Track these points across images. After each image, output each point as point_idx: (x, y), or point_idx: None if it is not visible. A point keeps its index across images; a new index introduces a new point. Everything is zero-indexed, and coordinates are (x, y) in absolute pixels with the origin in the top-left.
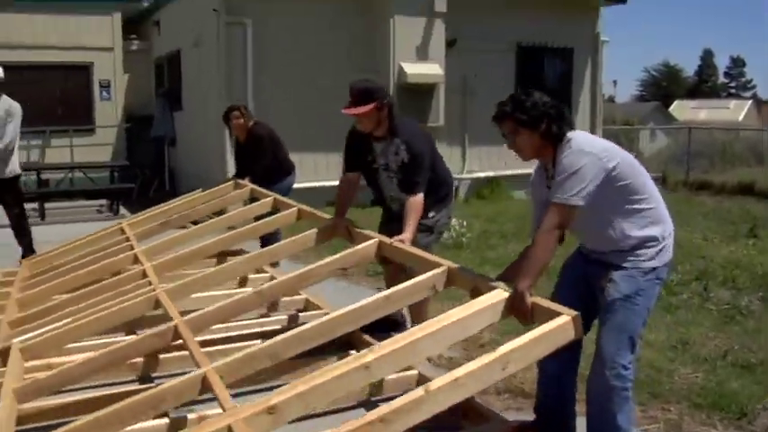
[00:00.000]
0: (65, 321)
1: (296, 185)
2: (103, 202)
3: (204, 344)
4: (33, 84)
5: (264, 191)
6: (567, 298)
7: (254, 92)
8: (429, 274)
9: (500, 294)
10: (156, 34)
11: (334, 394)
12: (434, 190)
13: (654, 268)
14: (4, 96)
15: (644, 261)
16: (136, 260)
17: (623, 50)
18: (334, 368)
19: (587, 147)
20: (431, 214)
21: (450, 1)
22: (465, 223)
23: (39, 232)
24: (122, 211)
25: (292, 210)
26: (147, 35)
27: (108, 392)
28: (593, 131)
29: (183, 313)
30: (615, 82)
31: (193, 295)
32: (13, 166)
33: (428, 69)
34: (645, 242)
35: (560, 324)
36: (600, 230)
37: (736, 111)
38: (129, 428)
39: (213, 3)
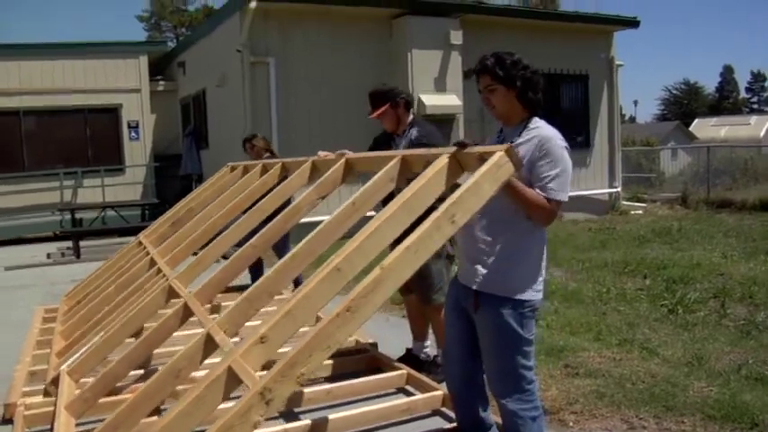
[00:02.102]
0: (99, 336)
1: (316, 218)
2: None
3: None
4: (65, 126)
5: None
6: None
7: (278, 128)
8: (384, 168)
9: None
10: (182, 75)
11: (318, 304)
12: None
13: (527, 300)
14: None
15: (518, 292)
16: (153, 263)
17: (643, 70)
18: (309, 282)
19: (566, 147)
20: None
21: (466, 33)
22: None
23: (75, 270)
24: None
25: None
26: (172, 76)
27: None
28: (611, 154)
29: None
30: (636, 102)
31: None
32: None
33: (446, 101)
34: (529, 273)
35: (495, 161)
36: (494, 238)
37: (758, 126)
38: None
39: (237, 44)
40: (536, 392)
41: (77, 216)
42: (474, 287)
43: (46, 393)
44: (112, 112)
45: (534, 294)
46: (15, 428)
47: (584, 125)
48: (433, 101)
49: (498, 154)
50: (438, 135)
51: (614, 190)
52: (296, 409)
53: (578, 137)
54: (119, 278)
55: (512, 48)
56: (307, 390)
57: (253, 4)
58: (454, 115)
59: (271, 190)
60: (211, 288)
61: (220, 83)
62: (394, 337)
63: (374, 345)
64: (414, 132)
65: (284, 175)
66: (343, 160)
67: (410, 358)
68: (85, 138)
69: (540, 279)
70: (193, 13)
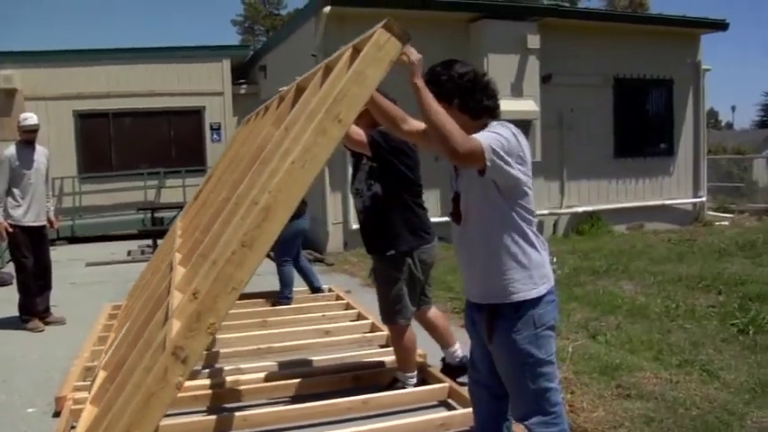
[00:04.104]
0: (127, 325)
1: None
2: None
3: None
4: (150, 128)
5: None
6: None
7: None
8: (310, 84)
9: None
10: (263, 78)
11: (232, 243)
12: (399, 223)
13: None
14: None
15: (518, 292)
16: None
17: (743, 74)
18: (228, 225)
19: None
20: (389, 253)
21: (544, 37)
22: (555, 259)
23: None
24: None
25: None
26: (254, 79)
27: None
28: (696, 162)
29: None
30: (734, 108)
31: None
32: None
33: (523, 106)
34: (522, 269)
35: (373, 41)
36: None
37: None
38: None
39: (312, 48)
40: (562, 415)
41: (158, 215)
42: (475, 300)
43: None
44: (196, 115)
45: (539, 290)
46: (61, 421)
47: (667, 132)
48: (508, 106)
49: (377, 32)
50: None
51: (699, 200)
52: (330, 419)
53: (661, 144)
54: (156, 263)
55: (591, 52)
56: (343, 399)
57: (327, 9)
58: (531, 121)
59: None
60: (193, 245)
61: None
62: None
63: (422, 356)
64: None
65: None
66: (293, 85)
67: (447, 368)
68: (169, 139)
69: (540, 270)
70: (285, 17)
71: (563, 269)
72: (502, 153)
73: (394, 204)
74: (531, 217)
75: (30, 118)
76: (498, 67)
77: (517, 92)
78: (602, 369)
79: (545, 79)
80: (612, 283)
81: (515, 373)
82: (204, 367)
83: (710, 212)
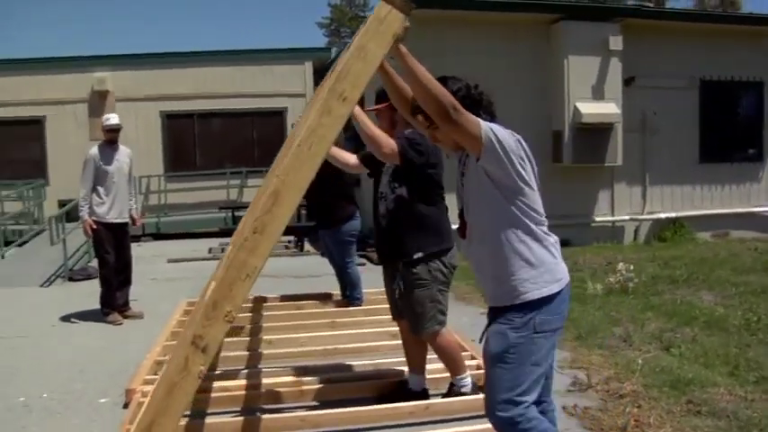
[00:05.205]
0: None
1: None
2: (291, 238)
3: None
4: (233, 128)
5: None
6: None
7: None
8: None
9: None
10: None
11: (245, 230)
12: (426, 223)
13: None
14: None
15: (526, 293)
16: None
17: None
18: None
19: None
20: (417, 255)
21: (627, 38)
22: (632, 267)
23: None
24: (307, 247)
25: None
26: None
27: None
28: None
29: None
30: None
31: None
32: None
33: (604, 109)
34: (530, 271)
35: (374, 15)
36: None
37: None
38: None
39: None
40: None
41: (239, 214)
42: (490, 303)
43: None
44: (278, 116)
45: (551, 288)
46: (129, 413)
47: (756, 137)
48: (589, 109)
49: (378, 6)
50: (428, 143)
51: None
52: (390, 423)
53: (750, 149)
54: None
55: (675, 53)
56: (406, 404)
57: None
58: (612, 124)
59: None
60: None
61: (377, 88)
62: None
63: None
64: (406, 131)
65: None
66: (331, 71)
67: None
68: (252, 139)
69: (550, 270)
70: None
71: (640, 277)
72: (499, 137)
73: (418, 206)
74: (536, 215)
75: (111, 118)
76: (579, 70)
77: (598, 95)
78: (672, 383)
79: (627, 82)
80: (691, 293)
81: (497, 363)
82: (269, 366)
83: None
